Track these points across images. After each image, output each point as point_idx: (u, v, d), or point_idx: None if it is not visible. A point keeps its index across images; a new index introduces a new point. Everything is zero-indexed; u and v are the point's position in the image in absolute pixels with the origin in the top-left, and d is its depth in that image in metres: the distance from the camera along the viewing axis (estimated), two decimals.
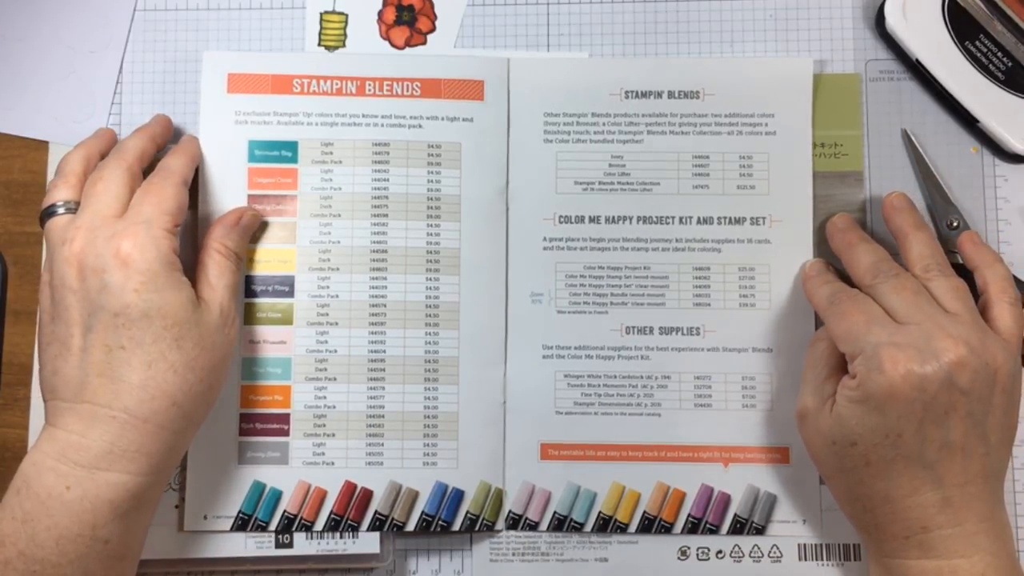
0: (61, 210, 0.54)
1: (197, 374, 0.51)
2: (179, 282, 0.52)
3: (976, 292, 0.55)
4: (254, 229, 0.59)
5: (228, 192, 0.60)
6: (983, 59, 0.60)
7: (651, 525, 0.59)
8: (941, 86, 0.60)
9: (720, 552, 0.60)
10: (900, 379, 0.48)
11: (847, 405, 0.51)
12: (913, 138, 0.61)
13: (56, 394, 0.51)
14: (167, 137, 0.60)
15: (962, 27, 0.60)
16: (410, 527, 0.58)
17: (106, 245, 0.51)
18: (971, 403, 0.49)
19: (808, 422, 0.54)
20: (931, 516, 0.49)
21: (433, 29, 0.63)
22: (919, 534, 0.50)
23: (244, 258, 0.58)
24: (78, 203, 0.54)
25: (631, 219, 0.61)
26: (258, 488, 0.58)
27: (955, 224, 0.60)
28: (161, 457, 0.50)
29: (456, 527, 0.59)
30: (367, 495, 0.59)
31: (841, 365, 0.54)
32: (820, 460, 0.54)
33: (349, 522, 0.58)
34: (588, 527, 0.59)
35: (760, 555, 0.59)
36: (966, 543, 0.49)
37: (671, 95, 0.61)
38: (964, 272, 0.56)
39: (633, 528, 0.59)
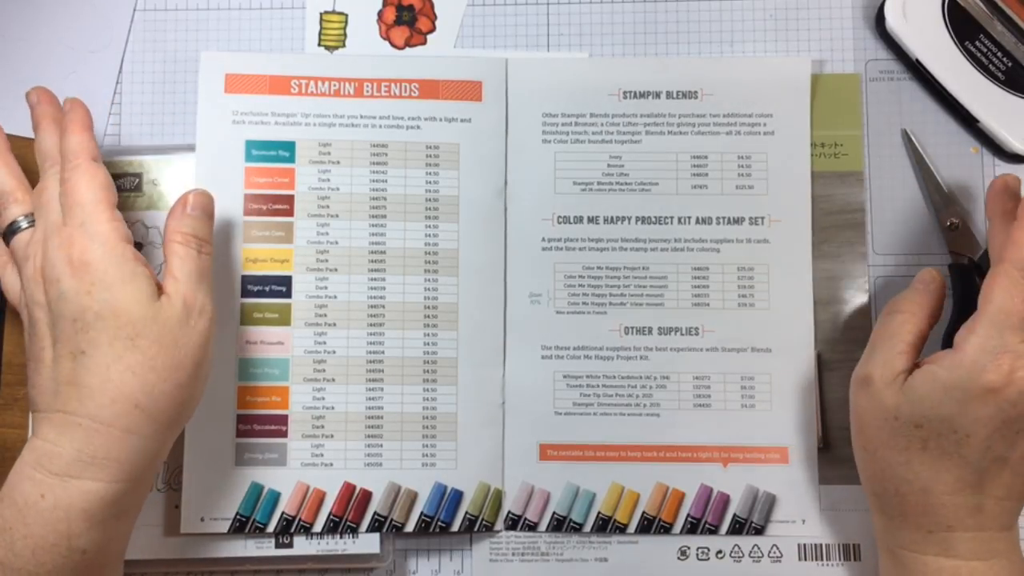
0: (24, 224, 0.53)
1: (159, 374, 0.50)
2: (131, 274, 0.50)
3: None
4: (210, 208, 0.55)
5: (225, 191, 0.60)
6: (983, 59, 0.60)
7: (650, 525, 0.59)
8: (941, 86, 0.60)
9: (720, 552, 0.60)
10: (1001, 387, 0.47)
11: (931, 383, 0.49)
12: (913, 138, 0.61)
13: (35, 405, 0.51)
14: (90, 117, 0.56)
15: (962, 27, 0.60)
16: (409, 528, 0.59)
17: (57, 255, 0.50)
18: None
19: (870, 389, 0.52)
20: (961, 518, 0.49)
21: (433, 29, 0.63)
22: (943, 532, 0.50)
23: (209, 241, 0.55)
24: None
25: (630, 219, 0.61)
26: (256, 489, 0.58)
27: (955, 224, 0.60)
28: (133, 463, 0.49)
29: (455, 528, 0.59)
30: (366, 496, 0.59)
31: (918, 342, 0.52)
32: (868, 431, 0.52)
33: (348, 523, 0.58)
34: (587, 527, 0.59)
35: (760, 555, 0.59)
36: (986, 547, 0.49)
37: (669, 95, 0.61)
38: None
39: (632, 528, 0.59)
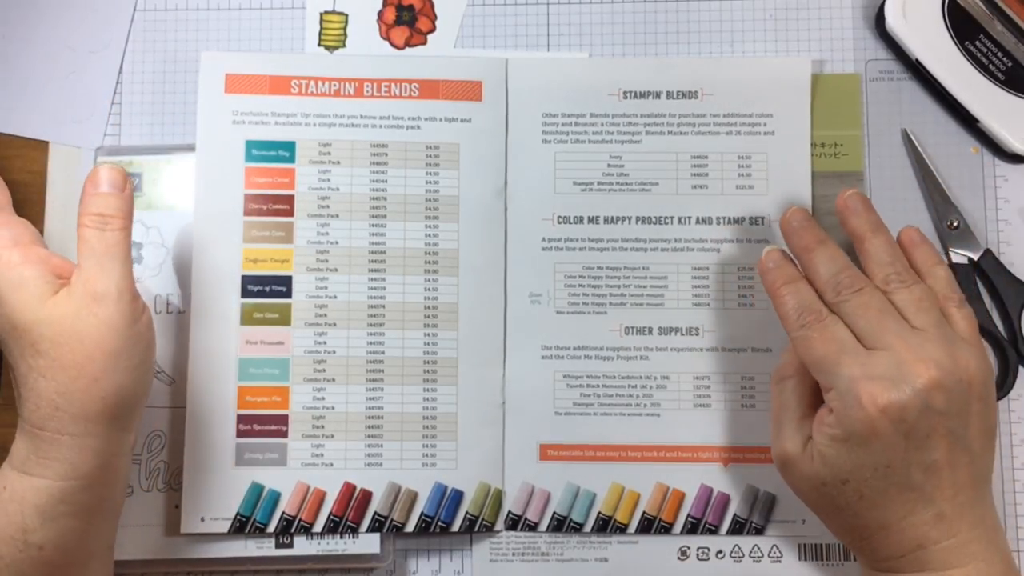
0: None
1: (69, 372, 0.48)
2: (17, 280, 0.50)
3: None
4: (119, 181, 0.52)
5: (225, 191, 0.60)
6: (983, 59, 0.60)
7: (650, 525, 0.59)
8: (941, 86, 0.60)
9: (720, 552, 0.60)
10: (879, 414, 0.48)
11: (830, 444, 0.50)
12: (913, 138, 0.61)
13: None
14: None
15: (962, 27, 0.60)
16: (409, 528, 0.58)
17: None
18: (950, 421, 0.48)
19: (791, 467, 0.52)
20: (926, 533, 0.49)
21: (433, 29, 0.63)
22: (915, 551, 0.49)
23: (117, 216, 0.52)
24: None
25: (630, 219, 0.61)
26: (256, 489, 0.58)
27: (955, 224, 0.60)
28: (78, 461, 0.49)
29: (455, 528, 0.59)
30: (366, 496, 0.59)
31: (814, 401, 0.53)
32: (811, 501, 0.53)
33: (348, 523, 0.58)
34: (587, 527, 0.59)
35: (760, 555, 0.59)
36: (960, 553, 0.49)
37: (670, 95, 0.61)
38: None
39: (632, 528, 0.59)
